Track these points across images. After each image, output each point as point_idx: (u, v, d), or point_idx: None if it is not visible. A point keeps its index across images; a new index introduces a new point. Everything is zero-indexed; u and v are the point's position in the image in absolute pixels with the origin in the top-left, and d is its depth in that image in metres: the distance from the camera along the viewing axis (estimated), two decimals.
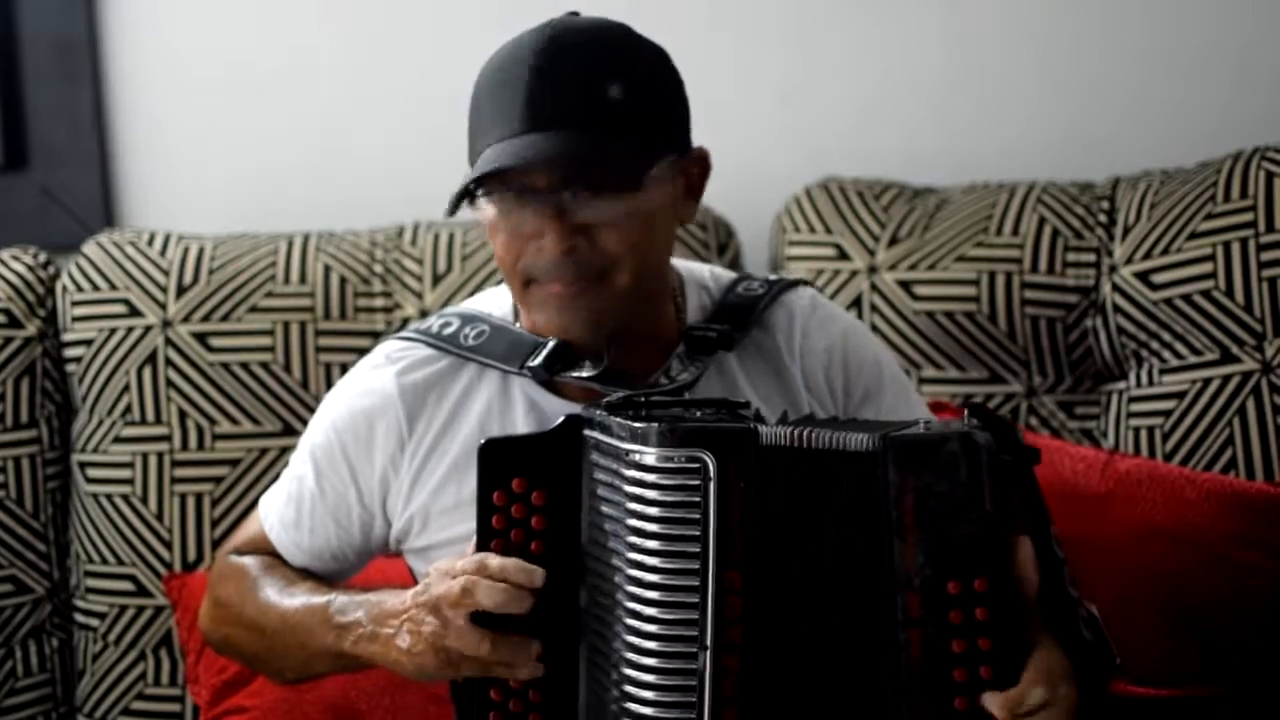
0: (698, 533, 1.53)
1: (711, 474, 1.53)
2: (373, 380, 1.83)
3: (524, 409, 1.78)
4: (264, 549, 1.90)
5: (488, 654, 1.60)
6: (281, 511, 1.88)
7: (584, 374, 1.74)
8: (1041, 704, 1.52)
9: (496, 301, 1.86)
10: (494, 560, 1.61)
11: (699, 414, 1.59)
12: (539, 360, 1.75)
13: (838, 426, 1.58)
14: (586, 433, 1.63)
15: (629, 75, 1.67)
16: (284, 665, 1.84)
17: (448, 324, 1.84)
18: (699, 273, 1.89)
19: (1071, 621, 1.58)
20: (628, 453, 1.55)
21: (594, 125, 1.65)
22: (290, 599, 1.80)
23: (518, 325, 1.81)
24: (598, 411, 1.62)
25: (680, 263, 1.89)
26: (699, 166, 1.77)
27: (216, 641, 1.93)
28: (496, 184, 1.67)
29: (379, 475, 1.82)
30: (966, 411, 1.59)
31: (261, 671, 1.91)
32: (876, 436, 1.52)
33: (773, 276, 1.90)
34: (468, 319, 1.84)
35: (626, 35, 1.72)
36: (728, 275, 1.90)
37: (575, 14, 1.73)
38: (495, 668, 1.62)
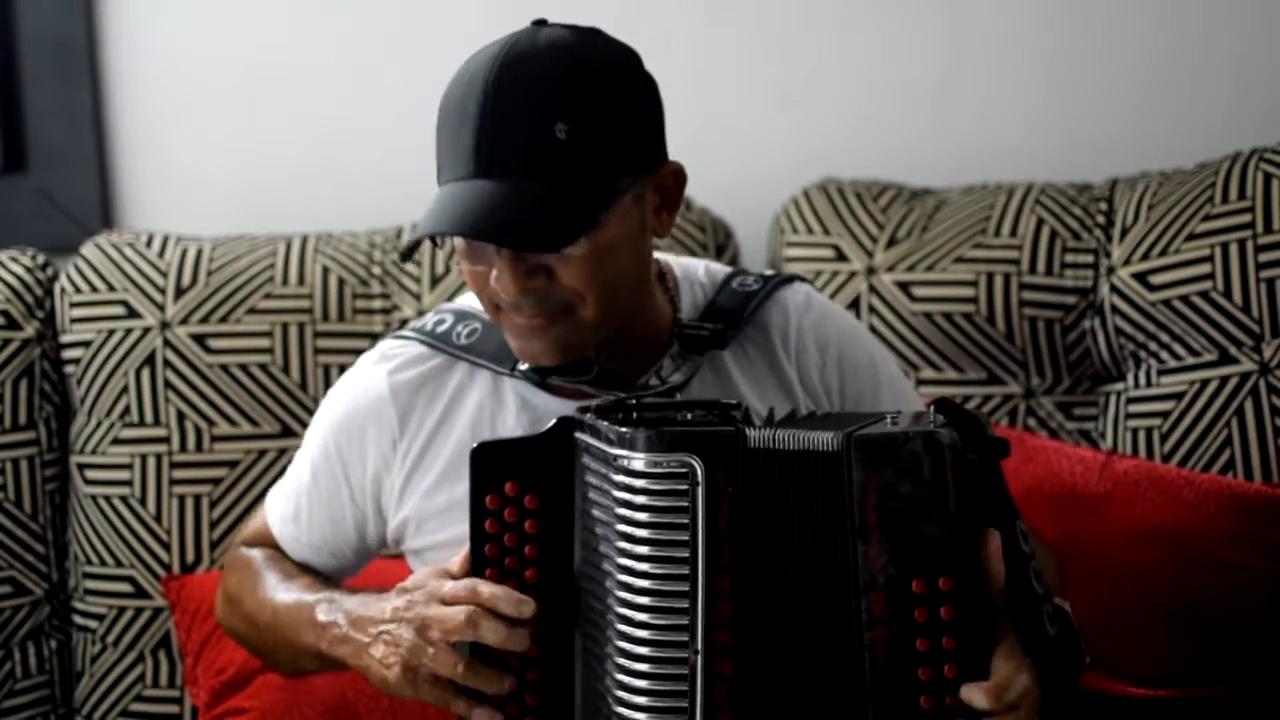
0: (686, 538, 1.53)
1: (699, 479, 1.53)
2: (366, 379, 1.83)
3: (516, 408, 1.78)
4: (269, 542, 1.92)
5: (463, 678, 1.61)
6: (283, 507, 1.90)
7: (575, 376, 1.73)
8: (1025, 692, 1.52)
9: None
10: (485, 589, 1.61)
11: (689, 416, 1.59)
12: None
13: (812, 424, 1.58)
14: (577, 435, 1.63)
15: (578, 109, 1.60)
16: (277, 659, 1.86)
17: (441, 321, 1.84)
18: (693, 270, 1.87)
19: (1036, 617, 1.57)
20: (616, 457, 1.55)
21: (541, 169, 1.60)
22: (284, 594, 1.82)
23: None
24: (588, 414, 1.62)
25: (675, 259, 1.88)
26: (674, 180, 1.72)
27: (227, 632, 1.96)
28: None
29: (371, 474, 1.82)
30: (933, 407, 1.58)
31: (265, 663, 1.93)
32: (841, 435, 1.52)
33: (767, 272, 1.89)
34: (461, 316, 1.83)
35: (582, 57, 1.64)
36: (722, 271, 1.89)
37: (543, 22, 1.68)
38: (455, 701, 1.63)
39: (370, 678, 1.68)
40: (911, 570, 1.51)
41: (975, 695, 1.51)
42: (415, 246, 1.67)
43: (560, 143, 1.60)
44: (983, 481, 1.57)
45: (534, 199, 1.60)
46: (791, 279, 1.88)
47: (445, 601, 1.62)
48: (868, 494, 1.51)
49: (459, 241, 1.67)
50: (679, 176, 1.73)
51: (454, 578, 1.65)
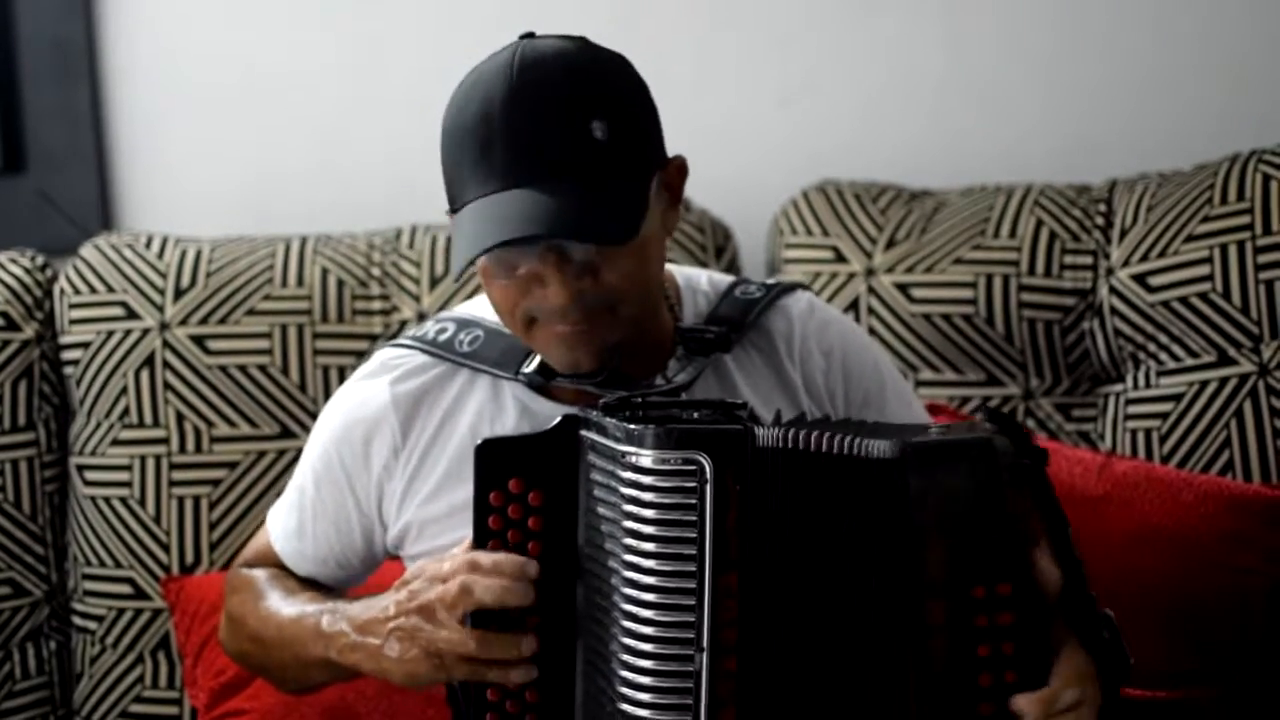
0: (694, 535, 1.52)
1: (708, 476, 1.52)
2: (367, 390, 1.83)
3: (516, 414, 1.78)
4: (272, 560, 1.92)
5: (477, 651, 1.60)
6: (285, 522, 1.90)
7: (580, 379, 1.72)
8: (1074, 704, 1.52)
9: (490, 306, 1.86)
10: (484, 557, 1.61)
11: (695, 415, 1.59)
12: (533, 366, 1.75)
13: (833, 428, 1.58)
14: (583, 433, 1.63)
15: (608, 108, 1.61)
16: (284, 676, 1.86)
17: (443, 329, 1.84)
18: (696, 279, 1.88)
19: (1092, 622, 1.58)
20: (624, 454, 1.55)
21: (584, 170, 1.60)
22: (288, 609, 1.81)
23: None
24: (594, 412, 1.62)
25: (678, 269, 1.89)
26: (678, 174, 1.73)
27: (233, 655, 1.95)
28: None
29: (375, 482, 1.82)
30: (982, 415, 1.59)
31: (271, 683, 1.92)
32: (896, 443, 1.51)
33: (770, 280, 1.90)
34: (463, 324, 1.83)
35: (592, 60, 1.66)
36: (725, 280, 1.89)
37: (531, 35, 1.67)
38: (488, 671, 1.62)
39: (394, 678, 1.67)
40: (972, 576, 1.50)
41: (1023, 704, 1.51)
42: (468, 267, 1.63)
43: (599, 142, 1.60)
44: (1035, 487, 1.58)
45: (586, 197, 1.59)
46: (794, 287, 1.89)
47: (444, 580, 1.62)
48: (926, 501, 1.50)
49: (482, 260, 1.65)
50: (683, 170, 1.74)
51: None
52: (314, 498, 1.86)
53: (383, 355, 1.85)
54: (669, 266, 1.87)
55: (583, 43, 1.68)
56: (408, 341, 1.85)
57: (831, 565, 1.55)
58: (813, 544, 1.55)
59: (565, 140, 1.60)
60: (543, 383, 1.76)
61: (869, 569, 1.53)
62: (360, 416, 1.82)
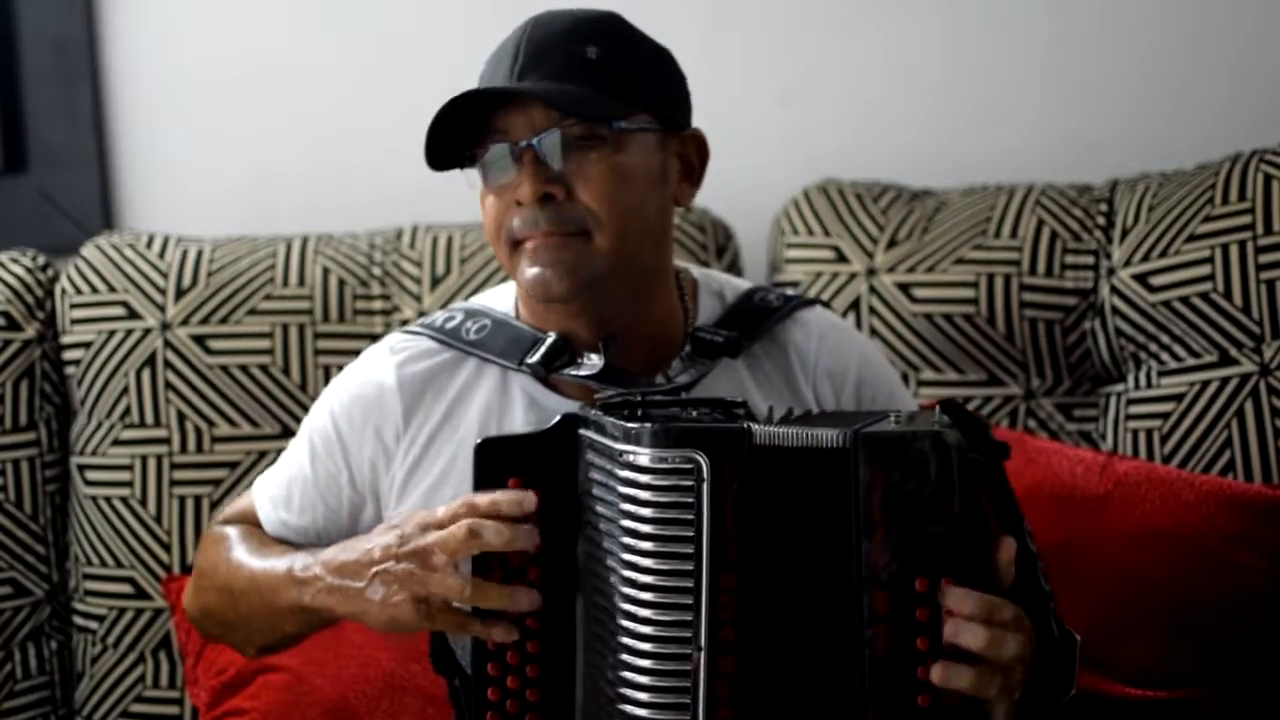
0: (691, 534, 1.53)
1: (705, 475, 1.53)
2: (373, 370, 1.84)
3: (523, 407, 1.78)
4: (251, 522, 1.91)
5: (472, 598, 1.60)
6: (274, 490, 1.89)
7: (583, 373, 1.74)
8: (1012, 619, 1.52)
9: (500, 298, 1.87)
10: (482, 497, 1.61)
11: (694, 414, 1.59)
12: (537, 357, 1.76)
13: (814, 422, 1.59)
14: (582, 432, 1.63)
15: (607, 38, 1.71)
16: (251, 629, 1.84)
17: (451, 318, 1.85)
18: (715, 280, 1.89)
19: (1045, 614, 1.59)
20: (621, 453, 1.55)
21: (570, 78, 1.68)
22: (260, 560, 1.81)
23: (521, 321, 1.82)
24: (593, 411, 1.62)
25: (697, 269, 1.90)
26: (696, 149, 1.79)
27: (196, 612, 1.93)
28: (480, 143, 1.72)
29: (370, 462, 1.82)
30: (938, 408, 1.59)
31: (235, 645, 1.90)
32: (849, 432, 1.53)
33: (789, 292, 1.91)
34: (471, 313, 1.85)
35: (613, 14, 1.75)
36: (744, 285, 1.90)
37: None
38: (472, 623, 1.62)
39: (373, 622, 1.67)
40: (914, 569, 1.51)
41: (966, 600, 1.51)
42: (439, 136, 1.75)
43: (590, 60, 1.69)
44: (987, 483, 1.58)
45: (568, 89, 1.69)
46: (814, 302, 1.90)
47: (441, 525, 1.62)
48: (874, 491, 1.51)
49: (475, 175, 1.74)
50: (700, 143, 1.79)
51: None
52: (308, 470, 1.86)
53: (391, 339, 1.86)
54: (689, 266, 1.88)
55: (614, 12, 1.77)
56: (416, 328, 1.86)
57: (816, 560, 1.55)
58: (801, 539, 1.55)
59: (561, 54, 1.69)
60: (545, 374, 1.77)
61: (839, 560, 1.54)
62: (363, 394, 1.83)
